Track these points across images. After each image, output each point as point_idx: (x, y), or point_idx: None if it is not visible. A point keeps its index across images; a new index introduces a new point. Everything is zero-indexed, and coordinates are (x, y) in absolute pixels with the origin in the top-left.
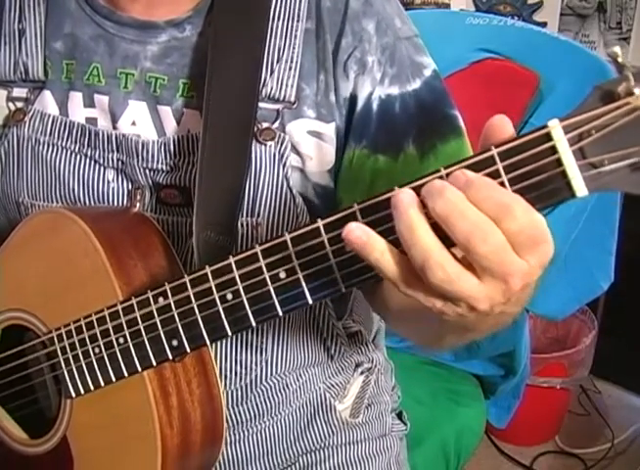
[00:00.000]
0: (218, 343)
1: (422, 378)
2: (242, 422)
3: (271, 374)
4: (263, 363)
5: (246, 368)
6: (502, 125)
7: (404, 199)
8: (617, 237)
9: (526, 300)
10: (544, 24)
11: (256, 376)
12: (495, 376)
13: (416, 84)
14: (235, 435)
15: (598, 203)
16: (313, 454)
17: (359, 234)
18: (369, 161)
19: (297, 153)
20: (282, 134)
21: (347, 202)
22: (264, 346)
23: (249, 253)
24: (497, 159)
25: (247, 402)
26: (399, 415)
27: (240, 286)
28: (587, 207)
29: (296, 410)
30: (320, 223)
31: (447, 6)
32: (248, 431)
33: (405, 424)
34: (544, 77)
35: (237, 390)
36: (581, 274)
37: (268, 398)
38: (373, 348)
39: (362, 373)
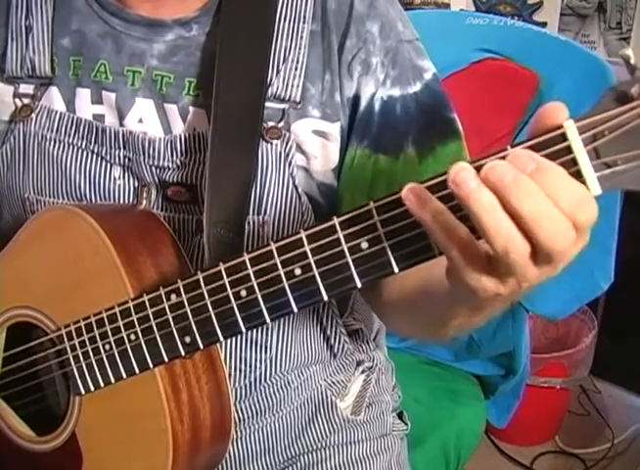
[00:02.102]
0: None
1: (422, 378)
2: (244, 419)
3: (274, 372)
4: (267, 361)
5: (250, 366)
6: (556, 112)
7: (467, 175)
8: (617, 237)
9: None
10: (544, 24)
11: (260, 374)
12: (495, 376)
13: (416, 87)
14: (237, 432)
15: (598, 202)
16: (314, 453)
17: (419, 192)
18: (370, 160)
19: (302, 152)
20: (287, 133)
21: (348, 200)
22: (269, 344)
23: (263, 250)
24: None
25: (249, 400)
26: (400, 415)
27: (254, 282)
28: None
29: (297, 408)
30: (336, 221)
31: (447, 6)
32: (250, 428)
33: (406, 424)
34: (544, 77)
35: (240, 388)
36: (581, 274)
37: (270, 395)
38: (374, 346)
39: (363, 372)
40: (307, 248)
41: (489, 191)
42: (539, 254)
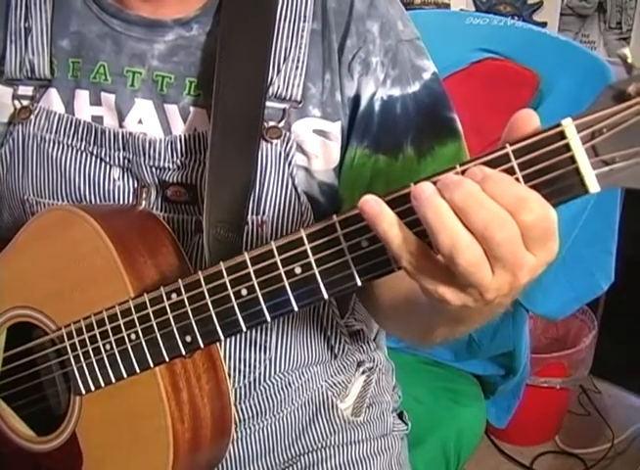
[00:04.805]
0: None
1: (422, 378)
2: (244, 420)
3: (274, 372)
4: (267, 362)
5: (249, 366)
6: (529, 119)
7: (427, 188)
8: (617, 237)
9: (520, 292)
10: (544, 24)
11: (260, 374)
12: (495, 376)
13: (415, 87)
14: (237, 432)
15: (598, 202)
16: (315, 453)
17: (372, 204)
18: (370, 160)
19: (303, 152)
20: (287, 133)
21: (348, 200)
22: (268, 344)
23: (264, 249)
24: (512, 156)
25: (249, 400)
26: (400, 415)
27: (255, 282)
28: (587, 206)
29: (298, 408)
30: (335, 220)
31: (447, 6)
32: (250, 429)
33: (406, 424)
34: (544, 77)
35: (240, 388)
36: (581, 274)
37: (270, 395)
38: (374, 347)
39: (364, 372)
40: (307, 246)
41: (440, 196)
42: (488, 252)
